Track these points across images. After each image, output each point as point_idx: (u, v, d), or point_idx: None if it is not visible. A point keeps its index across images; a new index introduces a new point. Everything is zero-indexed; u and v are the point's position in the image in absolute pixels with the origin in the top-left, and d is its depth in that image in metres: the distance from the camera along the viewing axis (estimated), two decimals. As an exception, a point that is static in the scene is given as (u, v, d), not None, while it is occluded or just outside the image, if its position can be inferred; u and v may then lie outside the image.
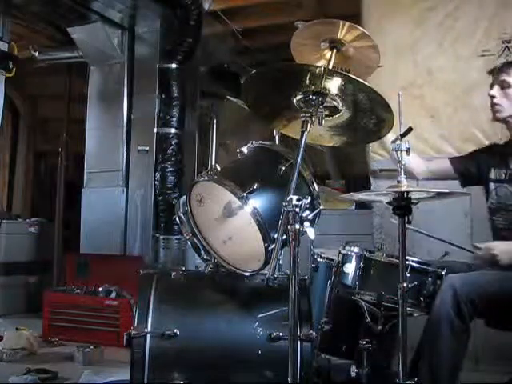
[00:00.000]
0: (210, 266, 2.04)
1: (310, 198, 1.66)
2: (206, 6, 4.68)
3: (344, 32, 1.95)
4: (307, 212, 1.63)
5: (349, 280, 2.23)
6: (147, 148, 4.63)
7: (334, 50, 1.98)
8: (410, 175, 2.33)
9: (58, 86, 6.20)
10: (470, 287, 2.06)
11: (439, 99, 3.62)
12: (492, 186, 2.41)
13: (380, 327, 2.19)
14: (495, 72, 2.42)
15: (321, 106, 1.83)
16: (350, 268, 2.23)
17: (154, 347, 1.79)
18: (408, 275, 2.01)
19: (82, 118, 5.14)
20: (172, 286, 1.99)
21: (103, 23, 4.61)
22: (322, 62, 2.03)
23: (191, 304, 1.95)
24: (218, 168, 1.93)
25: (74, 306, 4.02)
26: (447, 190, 2.09)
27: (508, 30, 3.50)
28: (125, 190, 4.72)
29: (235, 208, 1.85)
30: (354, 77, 1.76)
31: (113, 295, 4.04)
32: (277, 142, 2.40)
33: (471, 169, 2.51)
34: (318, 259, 2.53)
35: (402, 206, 1.91)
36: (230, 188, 1.84)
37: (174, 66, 4.52)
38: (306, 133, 1.79)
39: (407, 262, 2.03)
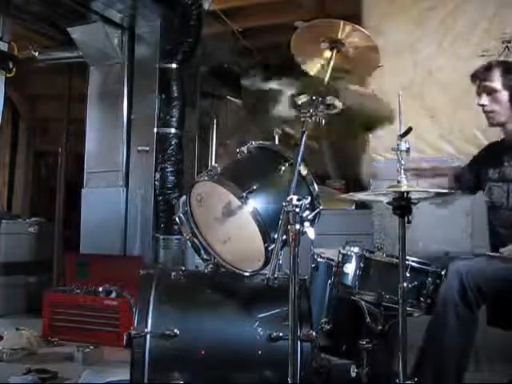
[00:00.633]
0: (210, 266, 2.04)
1: (309, 198, 1.66)
2: (206, 6, 4.67)
3: (344, 32, 1.95)
4: (307, 212, 1.64)
5: (349, 280, 2.23)
6: (147, 148, 4.63)
7: (334, 50, 1.98)
8: None
9: (58, 86, 6.20)
10: (477, 274, 2.06)
11: (439, 99, 3.62)
12: (488, 185, 2.42)
13: (380, 327, 2.19)
14: (477, 79, 2.41)
15: (321, 106, 1.84)
16: (350, 268, 2.23)
17: (153, 347, 1.79)
18: (408, 275, 2.01)
19: (82, 117, 5.13)
20: (172, 286, 1.99)
21: (103, 23, 4.61)
22: (321, 62, 2.03)
23: (191, 304, 1.95)
24: (218, 168, 1.93)
25: (74, 305, 4.02)
26: (447, 190, 2.10)
27: (508, 29, 3.50)
28: (125, 189, 4.71)
29: (235, 208, 1.85)
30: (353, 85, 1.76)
31: (113, 295, 4.04)
32: (277, 142, 2.40)
33: (470, 182, 2.53)
34: (318, 259, 2.53)
35: (402, 205, 1.91)
36: (229, 188, 1.84)
37: (174, 66, 4.52)
38: (306, 133, 1.80)
39: (407, 262, 2.04)
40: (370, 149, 3.83)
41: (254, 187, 1.81)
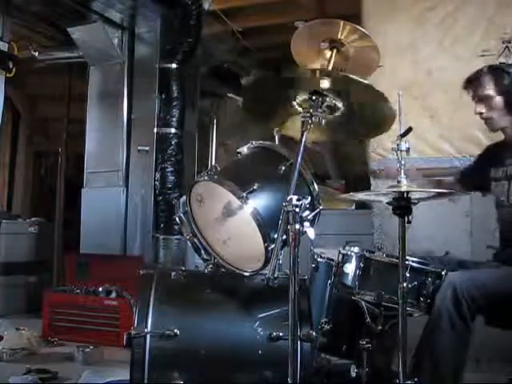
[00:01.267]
0: (210, 266, 2.04)
1: (309, 198, 1.67)
2: (206, 6, 4.67)
3: (344, 32, 1.95)
4: (307, 212, 1.64)
5: (349, 280, 2.23)
6: (147, 148, 4.63)
7: (334, 50, 1.98)
8: None
9: (58, 86, 6.20)
10: (470, 284, 2.06)
11: (439, 99, 3.62)
12: (493, 184, 2.42)
13: (380, 327, 2.19)
14: (470, 87, 2.41)
15: (321, 106, 1.84)
16: (350, 268, 2.23)
17: (153, 347, 1.79)
18: (408, 275, 2.01)
19: (82, 118, 5.14)
20: (172, 285, 1.99)
21: (103, 23, 4.61)
22: (321, 62, 2.03)
23: (191, 304, 1.95)
24: (218, 168, 1.93)
25: (74, 306, 4.02)
26: (447, 190, 2.10)
27: (508, 29, 3.50)
28: (125, 190, 4.71)
29: (235, 208, 1.85)
30: (352, 76, 1.76)
31: (113, 295, 4.04)
32: (277, 142, 2.40)
33: (474, 183, 2.53)
34: (318, 259, 2.52)
35: (402, 205, 1.91)
36: (229, 188, 1.84)
37: (174, 66, 4.52)
38: (305, 133, 1.80)
39: (407, 262, 2.04)
40: (370, 148, 3.83)
41: (254, 187, 1.81)
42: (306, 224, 1.62)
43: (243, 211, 1.82)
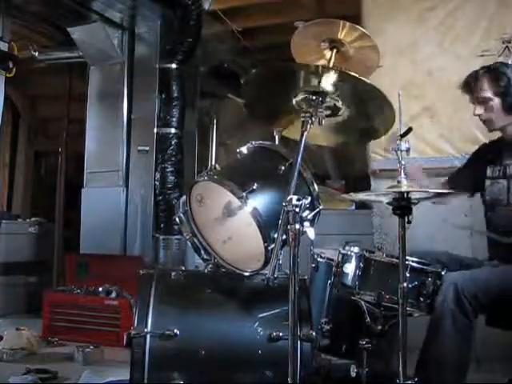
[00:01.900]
0: (210, 266, 2.04)
1: (309, 198, 1.66)
2: (206, 6, 4.67)
3: (344, 32, 1.95)
4: (307, 212, 1.63)
5: (349, 280, 2.23)
6: (147, 148, 4.63)
7: (334, 50, 1.98)
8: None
9: (58, 85, 6.19)
10: (472, 282, 2.06)
11: (439, 99, 3.62)
12: (488, 182, 2.42)
13: (380, 327, 2.20)
14: (467, 90, 2.41)
15: (321, 106, 1.83)
16: (350, 268, 2.23)
17: (154, 347, 1.79)
18: (408, 275, 2.01)
19: (82, 117, 5.13)
20: (172, 285, 1.99)
21: (103, 23, 4.61)
22: (321, 62, 2.03)
23: (191, 304, 1.95)
24: (218, 168, 1.93)
25: (74, 306, 4.01)
26: (447, 190, 2.10)
27: (508, 29, 3.50)
28: (125, 189, 4.71)
29: (235, 208, 1.85)
30: (353, 74, 1.76)
31: (113, 295, 4.04)
32: (277, 142, 2.40)
33: (468, 180, 2.52)
34: (318, 259, 2.53)
35: (402, 205, 1.91)
36: (229, 188, 1.84)
37: (174, 65, 4.51)
38: (305, 133, 1.80)
39: (407, 262, 2.04)
40: (370, 149, 3.83)
41: (254, 187, 1.81)
42: (306, 224, 1.62)
43: (243, 211, 1.82)
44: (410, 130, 1.99)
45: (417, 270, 2.12)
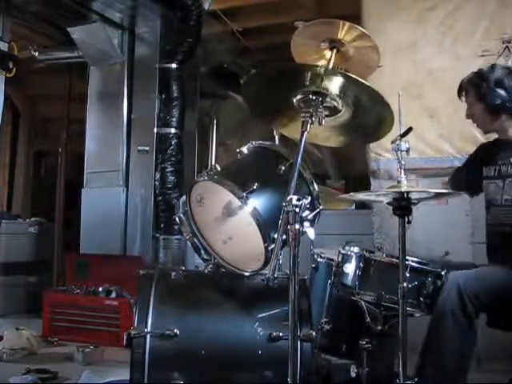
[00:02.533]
0: (210, 266, 2.04)
1: (309, 198, 1.66)
2: (206, 6, 4.67)
3: (344, 32, 1.95)
4: (307, 212, 1.63)
5: (349, 280, 2.23)
6: (147, 148, 4.63)
7: (334, 50, 1.98)
8: None
9: (58, 85, 6.19)
10: (474, 282, 2.06)
11: (439, 99, 3.62)
12: (484, 183, 2.43)
13: (380, 327, 2.20)
14: (460, 95, 2.45)
15: (321, 106, 1.83)
16: (350, 268, 2.23)
17: (153, 347, 1.79)
18: (408, 275, 2.01)
19: (82, 118, 5.13)
20: (172, 286, 1.99)
21: (103, 23, 4.61)
22: (321, 62, 2.03)
23: (191, 304, 1.95)
24: (218, 168, 1.93)
25: (74, 306, 4.02)
26: (447, 190, 2.10)
27: (508, 29, 3.50)
28: (125, 189, 4.71)
29: (235, 208, 1.85)
30: (354, 76, 1.76)
31: (113, 295, 4.04)
32: (277, 142, 2.40)
33: (467, 181, 2.53)
34: (318, 259, 2.53)
35: (402, 206, 1.91)
36: (229, 188, 1.84)
37: (174, 66, 4.52)
38: (305, 133, 1.80)
39: (407, 262, 2.04)
40: (370, 149, 3.83)
41: (254, 187, 1.81)
42: (306, 224, 1.62)
43: (243, 211, 1.82)
44: (410, 129, 1.99)
45: (417, 270, 2.12)
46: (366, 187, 3.67)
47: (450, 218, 3.48)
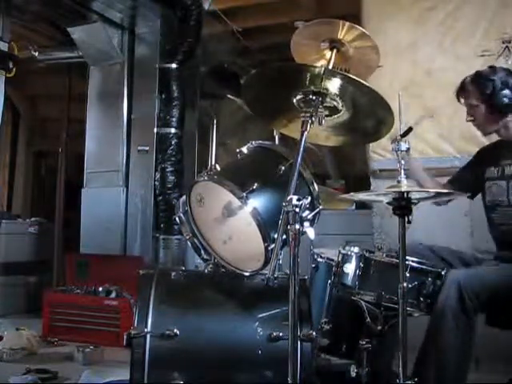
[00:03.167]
0: (210, 266, 2.04)
1: (309, 198, 1.66)
2: (206, 6, 4.68)
3: (344, 32, 1.95)
4: (307, 212, 1.63)
5: (349, 280, 2.23)
6: (147, 148, 4.63)
7: (334, 50, 1.98)
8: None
9: (58, 85, 6.19)
10: (474, 281, 2.07)
11: (439, 99, 3.61)
12: (487, 184, 2.43)
13: (380, 327, 2.19)
14: (460, 97, 2.46)
15: (321, 106, 1.83)
16: (350, 268, 2.23)
17: (153, 347, 1.79)
18: (408, 275, 2.01)
19: (82, 118, 5.13)
20: (172, 286, 1.99)
21: (103, 23, 4.61)
22: (321, 62, 2.03)
23: (191, 304, 1.95)
24: (218, 168, 1.93)
25: (74, 305, 4.02)
26: (447, 190, 2.10)
27: (508, 30, 3.50)
28: (125, 189, 4.71)
29: (235, 208, 1.85)
30: (353, 77, 1.76)
31: (113, 295, 4.04)
32: (277, 142, 2.40)
33: (469, 182, 2.53)
34: (318, 259, 2.52)
35: (402, 205, 1.91)
36: (229, 188, 1.84)
37: (174, 66, 4.52)
38: (305, 133, 1.80)
39: (407, 262, 2.04)
40: (370, 149, 3.83)
41: (254, 187, 1.81)
42: (306, 224, 1.62)
43: (243, 211, 1.82)
44: (410, 129, 1.99)
45: (417, 270, 2.12)
46: (366, 187, 3.67)
47: (450, 217, 3.47)
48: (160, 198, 4.48)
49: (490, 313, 2.20)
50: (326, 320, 2.35)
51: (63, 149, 5.97)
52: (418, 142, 3.44)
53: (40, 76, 6.01)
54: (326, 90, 1.83)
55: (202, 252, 2.05)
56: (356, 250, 2.26)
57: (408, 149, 1.95)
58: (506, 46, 3.48)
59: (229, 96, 5.19)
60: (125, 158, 4.74)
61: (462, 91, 2.44)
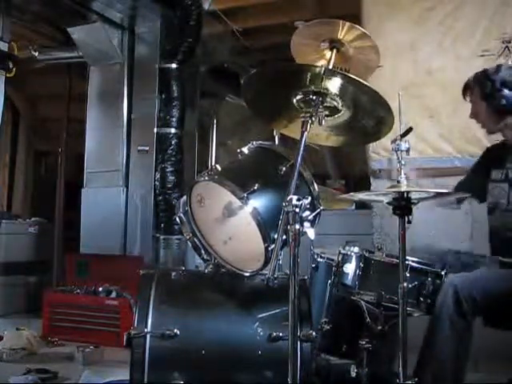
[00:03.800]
0: (210, 266, 2.04)
1: (310, 198, 1.66)
2: (206, 6, 4.68)
3: (344, 32, 1.95)
4: (307, 212, 1.63)
5: (349, 280, 2.23)
6: (147, 148, 4.63)
7: (334, 50, 1.98)
8: None
9: (58, 85, 6.19)
10: (471, 285, 2.07)
11: (439, 99, 3.62)
12: (490, 186, 2.42)
13: (380, 327, 2.19)
14: (465, 95, 2.46)
15: (321, 106, 1.84)
16: (350, 268, 2.23)
17: (153, 347, 1.79)
18: (408, 275, 2.01)
19: (82, 118, 5.14)
20: (172, 286, 1.99)
21: (103, 23, 4.61)
22: (321, 62, 2.03)
23: (191, 304, 1.95)
24: (219, 168, 1.93)
25: (74, 305, 4.02)
26: (447, 190, 2.10)
27: (508, 29, 3.50)
28: (125, 189, 4.72)
29: (235, 208, 1.85)
30: (354, 77, 1.76)
31: (113, 295, 4.04)
32: (277, 142, 2.40)
33: (475, 186, 2.52)
34: (318, 259, 2.52)
35: (402, 205, 1.91)
36: (230, 188, 1.84)
37: (174, 66, 4.52)
38: (306, 133, 1.80)
39: (407, 262, 2.04)
40: (370, 149, 3.83)
41: (255, 187, 1.81)
42: (306, 224, 1.62)
43: (243, 211, 1.82)
44: (410, 129, 1.99)
45: (417, 270, 2.12)
46: (366, 187, 3.67)
47: (450, 217, 3.47)
48: (160, 197, 4.48)
49: (487, 316, 2.20)
50: (326, 320, 2.35)
51: (63, 149, 5.97)
52: (417, 142, 3.45)
53: (40, 76, 6.01)
54: (326, 89, 1.83)
55: (202, 252, 2.05)
56: (356, 250, 2.26)
57: (408, 149, 1.95)
58: (506, 46, 3.48)
59: (228, 97, 5.20)
60: (125, 157, 4.74)
61: (466, 88, 2.44)
